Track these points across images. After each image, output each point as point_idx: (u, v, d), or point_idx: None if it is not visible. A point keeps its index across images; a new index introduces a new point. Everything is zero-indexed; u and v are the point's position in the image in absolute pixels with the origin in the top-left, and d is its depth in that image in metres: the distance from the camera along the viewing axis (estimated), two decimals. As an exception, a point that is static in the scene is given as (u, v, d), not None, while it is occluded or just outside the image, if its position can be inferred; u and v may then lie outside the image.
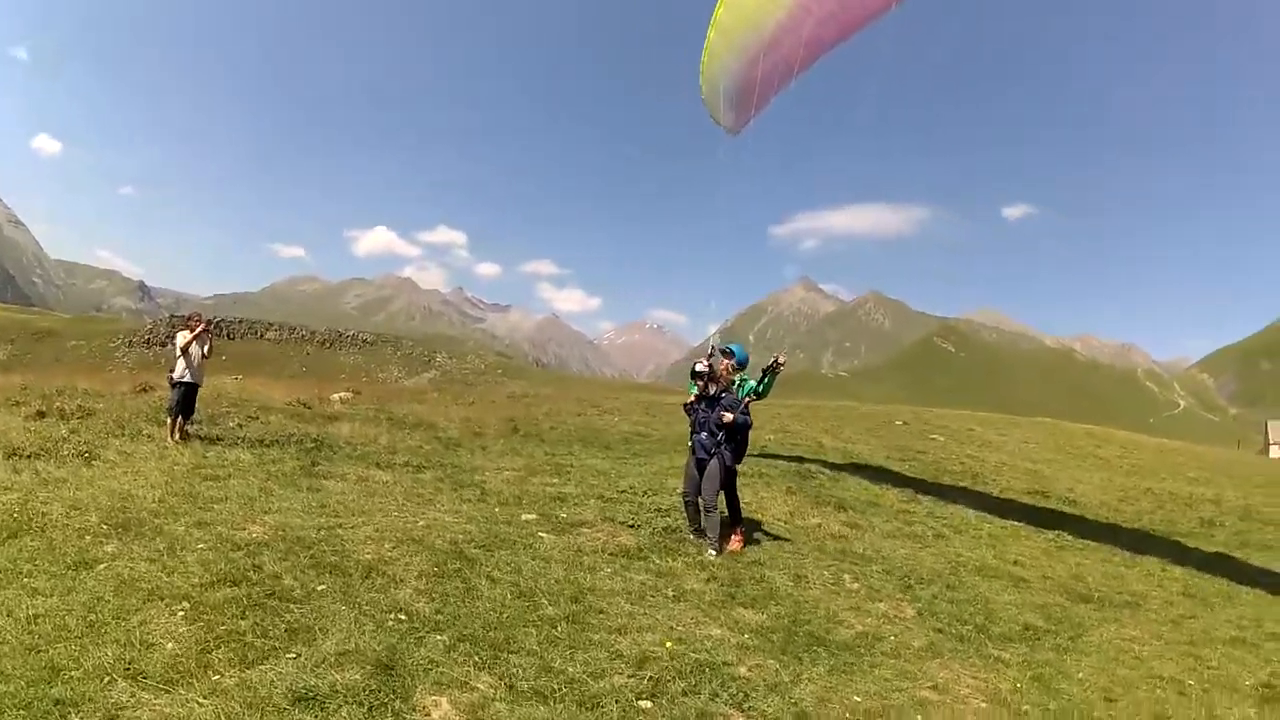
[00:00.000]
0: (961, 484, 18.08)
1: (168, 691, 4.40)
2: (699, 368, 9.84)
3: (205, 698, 4.35)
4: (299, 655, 5.01)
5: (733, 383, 9.99)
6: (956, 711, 5.70)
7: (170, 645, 4.94)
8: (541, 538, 8.75)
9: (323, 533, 7.83)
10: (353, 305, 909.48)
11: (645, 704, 4.99)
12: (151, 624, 5.23)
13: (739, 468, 10.35)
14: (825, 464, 17.04)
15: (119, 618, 5.27)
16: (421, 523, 8.65)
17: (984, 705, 5.90)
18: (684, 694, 5.22)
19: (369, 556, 7.15)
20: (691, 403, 10.04)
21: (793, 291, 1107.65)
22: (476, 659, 5.30)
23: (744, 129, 13.92)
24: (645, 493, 11.92)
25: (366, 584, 6.47)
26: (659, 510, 10.78)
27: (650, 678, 5.36)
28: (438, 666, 5.09)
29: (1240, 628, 9.11)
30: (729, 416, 9.44)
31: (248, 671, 4.73)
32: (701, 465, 9.61)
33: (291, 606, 5.80)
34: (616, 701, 4.93)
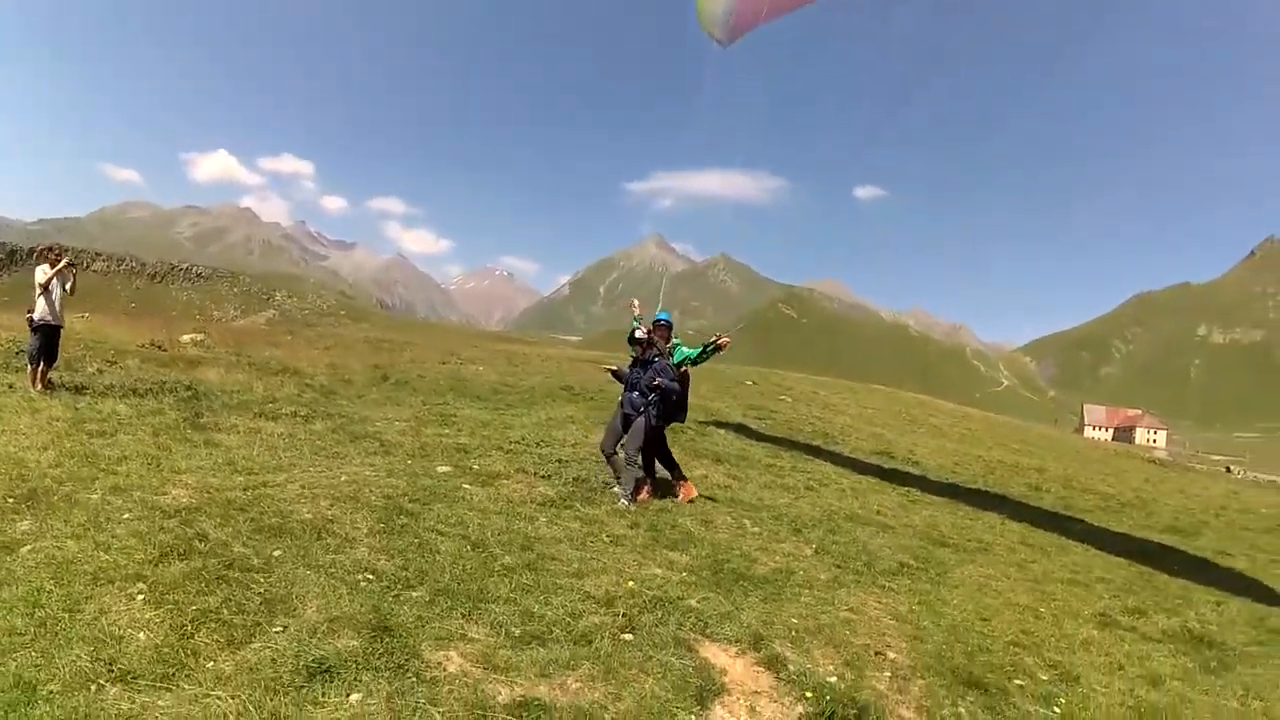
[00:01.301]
0: (815, 443, 19.51)
1: (169, 690, 4.07)
2: (639, 334, 10.39)
3: (214, 688, 4.11)
4: (286, 628, 4.87)
5: (667, 348, 10.69)
6: (877, 624, 6.89)
7: (143, 635, 4.53)
8: (467, 489, 9.05)
9: (250, 493, 7.65)
10: (187, 235, 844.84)
11: (628, 636, 5.60)
12: (111, 613, 4.74)
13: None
14: (691, 420, 18.03)
15: (71, 610, 4.71)
16: (344, 478, 8.69)
17: (893, 623, 7.05)
18: (655, 625, 5.87)
19: (310, 516, 7.09)
20: (616, 370, 10.77)
21: (645, 247, 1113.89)
22: (460, 611, 5.53)
23: (736, 40, 13.47)
24: (538, 444, 12.39)
25: (321, 545, 6.41)
26: (559, 461, 11.34)
27: (623, 614, 5.94)
28: (429, 623, 5.26)
29: (1074, 572, 10.76)
30: (660, 381, 10.05)
31: (241, 653, 4.51)
32: (627, 421, 10.20)
33: (256, 577, 5.52)
34: (603, 637, 5.48)
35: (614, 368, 11.14)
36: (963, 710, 5.58)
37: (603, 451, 10.49)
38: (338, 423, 12.40)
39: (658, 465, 10.96)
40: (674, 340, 11.03)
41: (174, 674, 4.19)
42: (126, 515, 6.47)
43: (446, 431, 12.64)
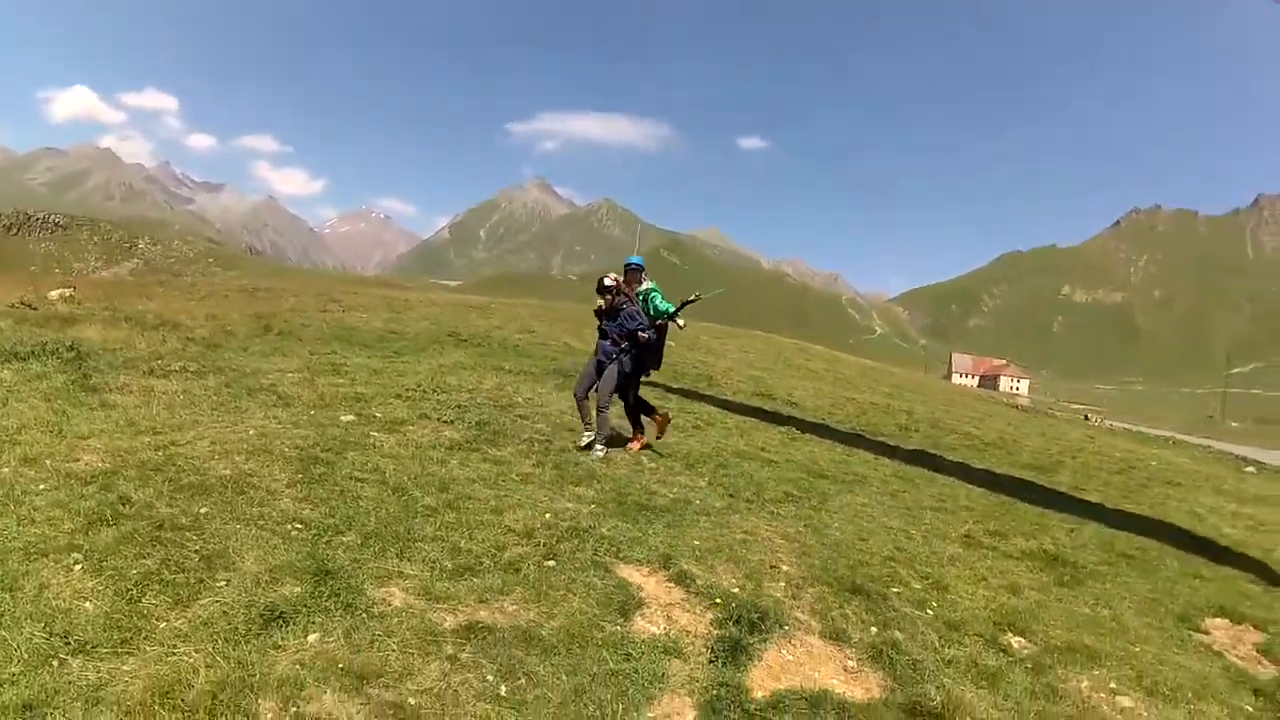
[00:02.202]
0: (699, 386, 20.26)
1: (131, 654, 4.17)
2: (607, 282, 10.52)
3: (175, 646, 4.25)
4: (229, 581, 5.02)
5: (639, 293, 10.93)
6: (770, 544, 7.68)
7: (90, 605, 4.54)
8: (375, 436, 9.19)
9: (161, 453, 7.48)
10: (42, 181, 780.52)
11: (551, 563, 6.13)
12: (53, 587, 4.70)
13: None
14: (580, 364, 18.41)
15: (11, 590, 4.62)
16: (251, 432, 8.67)
17: (783, 542, 7.87)
18: (574, 552, 6.41)
19: (227, 472, 7.08)
20: (598, 308, 10.74)
21: (527, 190, 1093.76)
22: (393, 551, 5.85)
23: None
24: (435, 391, 12.51)
25: (245, 500, 6.46)
26: (459, 407, 11.53)
27: (543, 543, 6.45)
28: (365, 564, 5.55)
29: (941, 500, 11.87)
30: (644, 335, 10.31)
31: (191, 609, 4.64)
32: (600, 368, 10.52)
33: (188, 535, 5.58)
34: (529, 565, 5.99)
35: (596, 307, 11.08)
36: (849, 611, 6.40)
37: (575, 396, 10.77)
38: (230, 377, 12.11)
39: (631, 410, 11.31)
40: (649, 284, 11.20)
41: (131, 638, 4.28)
42: (43, 486, 6.28)
43: (341, 381, 12.57)
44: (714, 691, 4.88)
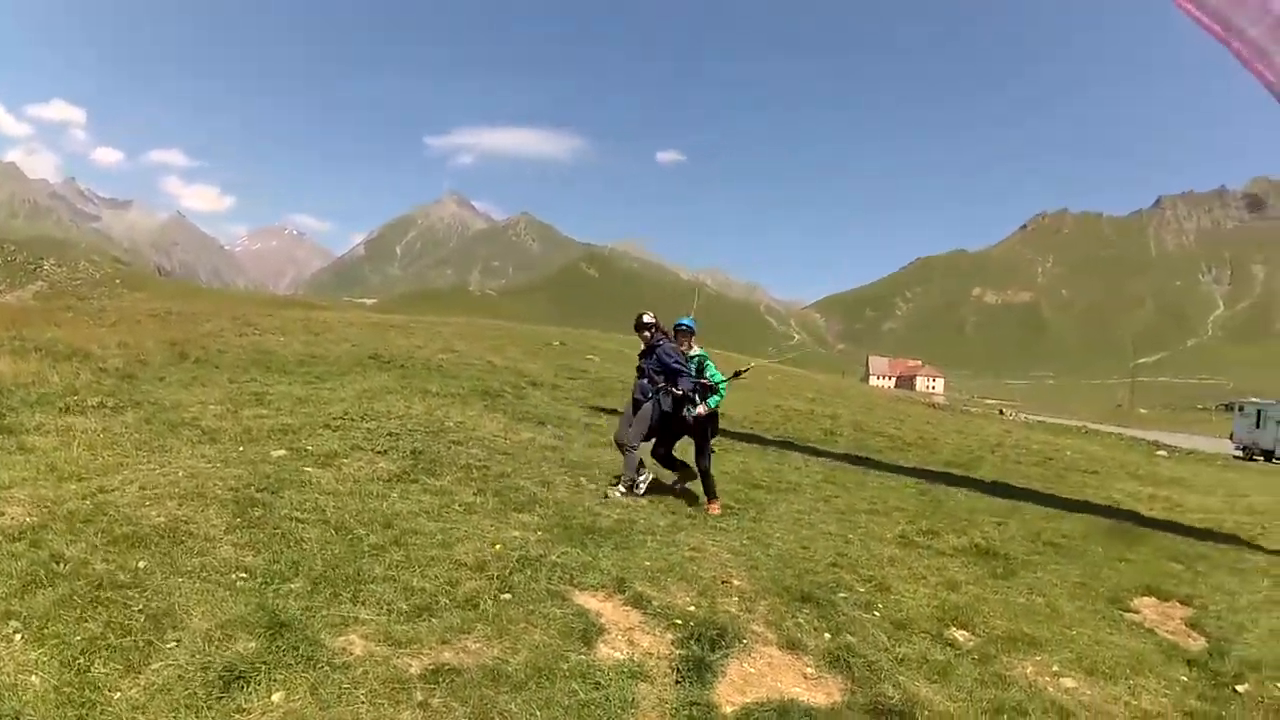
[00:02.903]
0: (627, 399, 20.18)
1: None
2: (646, 319, 10.46)
3: (135, 719, 4.07)
4: (180, 641, 4.75)
5: (690, 356, 10.69)
6: (718, 559, 7.81)
7: (36, 680, 4.23)
8: (310, 472, 8.88)
9: (89, 501, 7.04)
10: None
11: (507, 596, 6.06)
12: None
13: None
14: (506, 383, 18.30)
15: None
16: (181, 473, 8.26)
17: (730, 556, 8.00)
18: (528, 582, 6.36)
19: (162, 520, 6.70)
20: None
21: (444, 205, 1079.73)
22: (346, 596, 5.66)
23: None
24: (363, 418, 12.15)
25: (183, 550, 6.13)
26: (391, 435, 11.23)
27: (496, 576, 6.37)
28: (318, 612, 5.34)
29: (873, 503, 12.24)
30: (682, 387, 10.24)
31: (144, 675, 4.38)
32: (637, 406, 10.43)
33: (130, 593, 5.26)
34: (486, 599, 5.92)
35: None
36: (802, 620, 6.58)
37: (615, 441, 10.67)
38: (150, 411, 11.56)
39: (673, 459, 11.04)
40: (699, 351, 10.89)
41: (86, 714, 4.04)
42: (-37, 545, 5.85)
43: (265, 412, 12.14)
44: (685, 712, 4.94)
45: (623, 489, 10.11)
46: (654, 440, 10.75)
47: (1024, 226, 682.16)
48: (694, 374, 10.48)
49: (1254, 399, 53.77)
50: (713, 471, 10.61)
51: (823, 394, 35.76)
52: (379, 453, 10.22)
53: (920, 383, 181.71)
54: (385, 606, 5.61)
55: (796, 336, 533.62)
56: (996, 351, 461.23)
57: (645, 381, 10.40)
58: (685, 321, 10.87)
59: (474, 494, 9.04)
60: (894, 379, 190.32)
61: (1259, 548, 12.50)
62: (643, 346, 10.66)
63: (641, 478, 10.28)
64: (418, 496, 8.58)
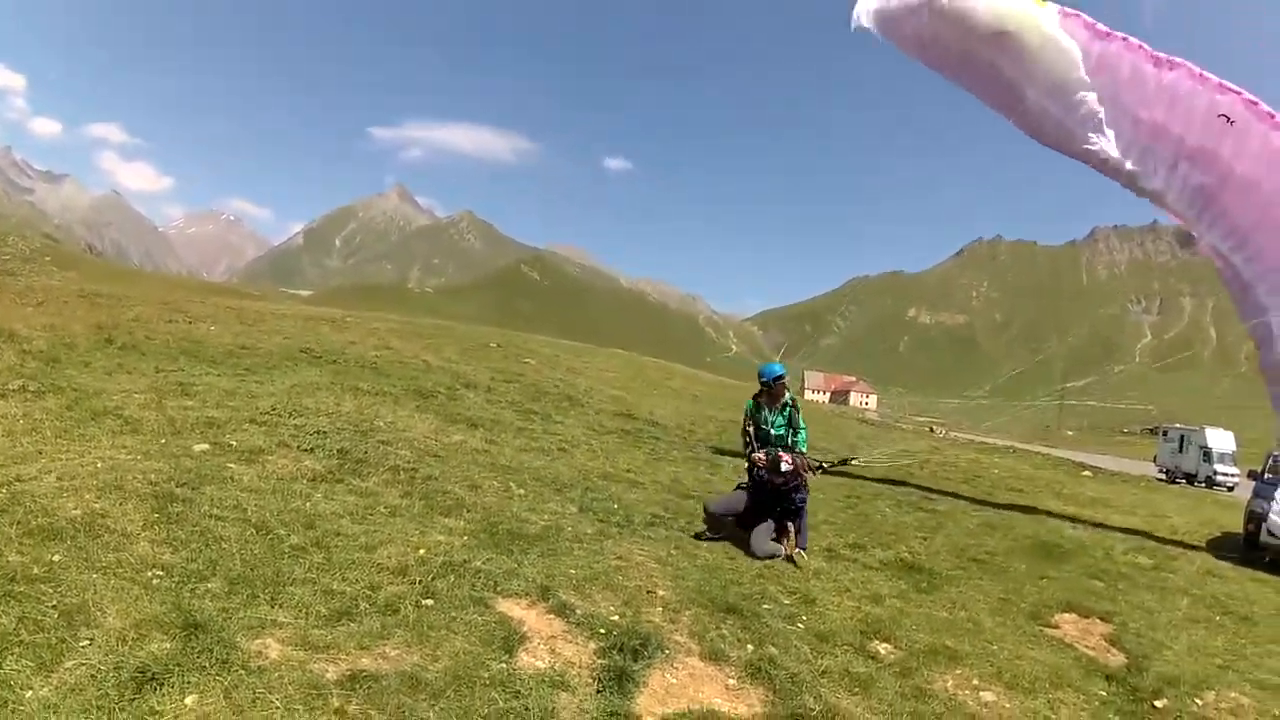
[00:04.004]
0: (562, 405, 20.11)
1: None
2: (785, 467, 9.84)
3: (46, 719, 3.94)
4: (93, 640, 4.64)
5: (785, 404, 10.51)
6: (644, 569, 7.80)
7: None
8: (233, 469, 8.65)
9: (4, 490, 6.80)
10: None
11: (429, 601, 5.97)
12: None
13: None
14: (440, 384, 18.06)
15: None
16: (100, 464, 7.98)
17: (656, 566, 8.01)
18: (451, 589, 6.28)
19: (78, 513, 6.52)
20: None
21: (387, 198, 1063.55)
22: (264, 598, 5.54)
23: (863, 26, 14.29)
24: (291, 414, 11.89)
25: (99, 545, 5.96)
26: (319, 433, 11.00)
27: (419, 581, 6.28)
28: (234, 613, 5.22)
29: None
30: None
31: (56, 674, 4.28)
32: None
33: (43, 588, 5.12)
34: (407, 605, 5.83)
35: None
36: (725, 631, 6.62)
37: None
38: (72, 398, 11.14)
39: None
40: (790, 395, 10.74)
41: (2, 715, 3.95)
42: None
43: (190, 404, 11.75)
44: (605, 721, 4.92)
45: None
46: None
47: (960, 251, 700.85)
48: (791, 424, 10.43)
49: (1178, 425, 55.79)
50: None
51: (755, 405, 36.17)
52: (305, 451, 10.00)
53: (855, 398, 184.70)
54: (304, 610, 5.50)
55: (735, 348, 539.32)
56: (930, 370, 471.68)
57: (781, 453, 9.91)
58: (778, 368, 10.79)
59: (400, 496, 8.91)
60: (829, 394, 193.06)
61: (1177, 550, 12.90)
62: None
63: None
64: (342, 497, 8.41)
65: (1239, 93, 13.09)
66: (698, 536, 9.72)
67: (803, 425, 10.53)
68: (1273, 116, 12.96)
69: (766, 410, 10.50)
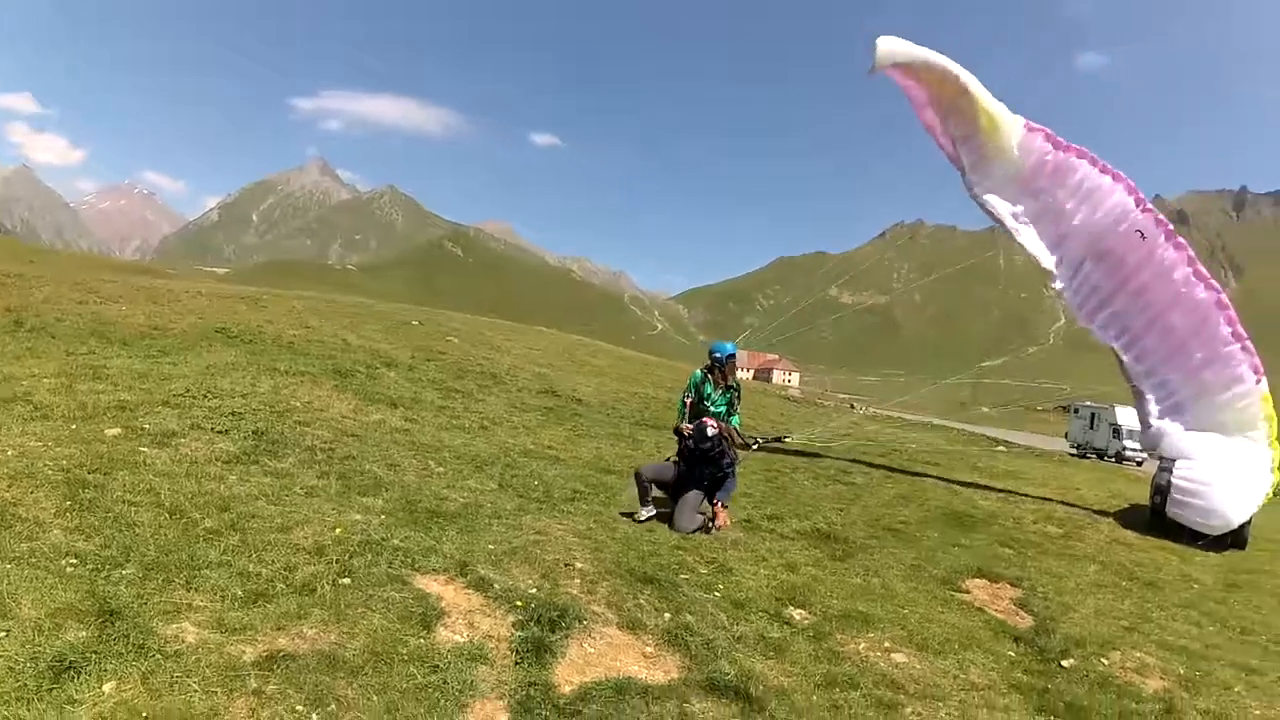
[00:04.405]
0: (484, 383, 20.10)
1: None
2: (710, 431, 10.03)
3: None
4: (9, 630, 4.57)
5: (730, 386, 10.77)
6: (563, 542, 7.92)
7: None
8: (146, 452, 8.47)
9: None
10: None
11: (346, 580, 5.99)
12: None
13: None
14: (360, 362, 17.85)
15: None
16: (10, 452, 7.77)
17: (575, 539, 8.12)
18: (368, 567, 6.31)
19: None
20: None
21: (307, 172, 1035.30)
22: (179, 582, 5.48)
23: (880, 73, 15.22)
24: (205, 396, 11.70)
25: (11, 534, 5.83)
26: (233, 414, 10.85)
27: (335, 561, 6.29)
28: (150, 599, 5.18)
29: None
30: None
31: None
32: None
33: None
34: (323, 584, 5.84)
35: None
36: (643, 601, 6.80)
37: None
38: None
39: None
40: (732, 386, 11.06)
41: None
42: None
43: (102, 387, 11.43)
44: (523, 692, 5.03)
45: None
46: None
47: (883, 234, 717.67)
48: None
49: (1089, 402, 57.70)
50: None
51: (681, 382, 36.31)
52: (219, 433, 9.83)
53: (777, 376, 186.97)
54: (220, 593, 5.47)
55: (659, 326, 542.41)
56: (851, 349, 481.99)
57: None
58: (730, 348, 11.01)
59: (317, 477, 8.86)
60: (753, 371, 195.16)
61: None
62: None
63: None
64: (257, 479, 8.33)
65: (1152, 210, 15.13)
66: (627, 515, 9.87)
67: (739, 411, 10.99)
68: (1171, 234, 14.91)
69: (711, 387, 10.80)
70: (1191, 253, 14.90)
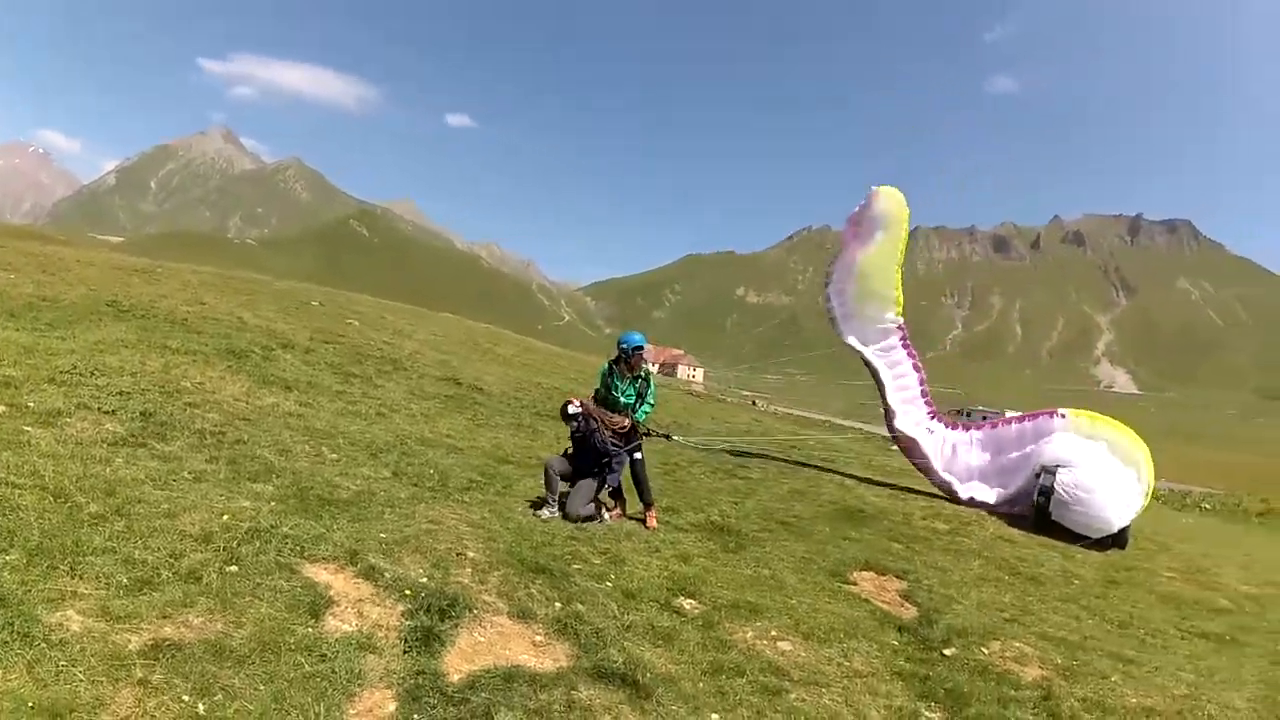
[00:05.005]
0: (384, 369, 19.71)
1: None
2: (571, 410, 10.17)
3: None
4: None
5: (638, 377, 10.69)
6: (456, 532, 7.97)
7: None
8: (29, 432, 8.13)
9: None
10: None
11: (233, 568, 5.92)
12: None
13: None
14: (255, 343, 17.31)
15: None
16: None
17: (468, 529, 8.20)
18: (256, 555, 6.24)
19: None
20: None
21: (210, 138, 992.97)
22: (63, 569, 5.34)
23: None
24: (93, 374, 11.18)
25: None
26: (122, 394, 10.43)
27: (223, 548, 6.19)
28: (33, 585, 5.04)
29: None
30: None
31: None
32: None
33: None
34: (210, 572, 5.76)
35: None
36: (534, 590, 6.94)
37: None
38: None
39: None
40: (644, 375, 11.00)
41: None
42: None
43: None
44: (412, 681, 5.11)
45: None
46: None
47: (790, 237, 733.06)
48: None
49: (981, 407, 59.75)
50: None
51: (586, 375, 36.26)
52: (106, 413, 9.46)
53: (682, 371, 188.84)
54: (105, 580, 5.36)
55: (566, 317, 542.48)
56: (754, 347, 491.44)
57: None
58: (639, 339, 10.89)
59: (205, 461, 8.65)
60: (658, 365, 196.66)
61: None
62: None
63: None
64: (145, 462, 8.08)
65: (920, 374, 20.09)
66: (534, 507, 9.99)
67: (651, 402, 10.96)
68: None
69: (618, 378, 10.83)
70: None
